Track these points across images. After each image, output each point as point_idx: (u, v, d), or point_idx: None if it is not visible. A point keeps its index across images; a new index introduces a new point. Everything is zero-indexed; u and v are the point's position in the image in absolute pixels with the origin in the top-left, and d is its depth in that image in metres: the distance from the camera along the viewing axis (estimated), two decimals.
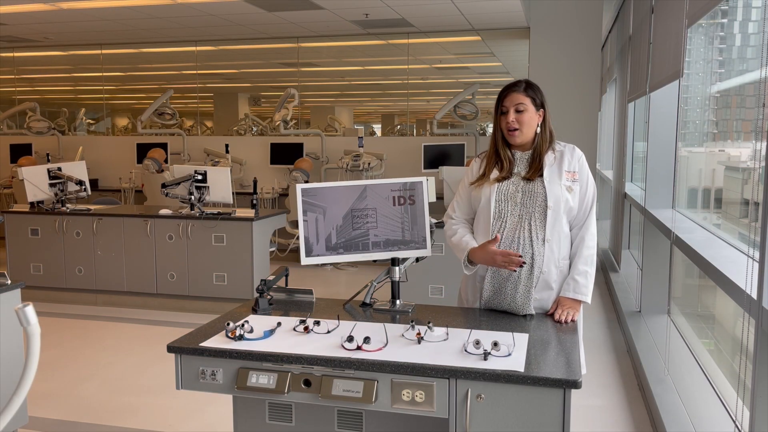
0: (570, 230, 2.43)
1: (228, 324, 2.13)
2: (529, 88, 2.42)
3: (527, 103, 2.39)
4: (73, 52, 10.21)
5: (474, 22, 7.83)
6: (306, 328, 2.17)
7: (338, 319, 2.30)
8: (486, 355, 1.90)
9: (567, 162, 2.41)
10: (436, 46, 9.49)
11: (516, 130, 2.38)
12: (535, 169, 2.39)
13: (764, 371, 2.06)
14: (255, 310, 2.45)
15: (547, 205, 2.34)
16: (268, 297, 2.53)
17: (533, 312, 2.36)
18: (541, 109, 2.43)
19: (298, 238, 3.77)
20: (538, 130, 2.42)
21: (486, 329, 2.19)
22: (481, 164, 2.50)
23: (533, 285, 2.35)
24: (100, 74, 10.36)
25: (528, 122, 2.39)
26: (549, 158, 2.41)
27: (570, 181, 2.39)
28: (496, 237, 2.31)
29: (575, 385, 1.76)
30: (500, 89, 2.48)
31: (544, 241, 2.35)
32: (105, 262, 5.90)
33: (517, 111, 2.38)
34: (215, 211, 5.74)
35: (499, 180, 2.41)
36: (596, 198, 2.45)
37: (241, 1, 6.70)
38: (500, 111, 2.42)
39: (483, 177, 2.45)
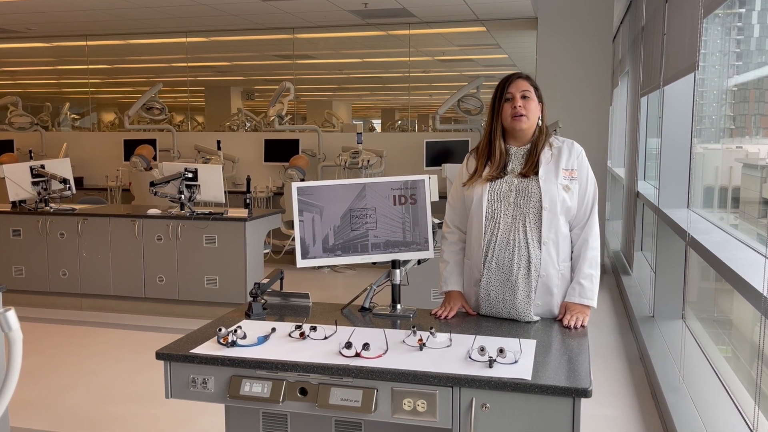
0: (570, 230, 2.43)
1: (220, 330, 2.13)
2: (530, 78, 2.45)
3: (532, 91, 2.41)
4: (57, 44, 10.22)
5: (479, 12, 7.83)
6: (302, 334, 2.17)
7: (336, 325, 2.30)
8: (491, 363, 1.90)
9: (565, 159, 2.40)
10: (439, 37, 9.49)
11: (522, 115, 2.38)
12: (531, 165, 2.39)
13: None
14: (248, 315, 2.45)
15: (542, 206, 2.34)
16: (262, 301, 2.53)
17: (536, 318, 2.36)
18: (541, 103, 2.44)
19: (293, 240, 3.76)
20: (539, 123, 2.43)
21: (491, 335, 2.19)
22: (470, 161, 2.50)
23: (532, 289, 2.35)
24: (86, 67, 10.37)
25: (533, 110, 2.40)
26: (546, 155, 2.40)
27: (568, 180, 2.38)
28: (460, 305, 2.47)
29: (585, 393, 1.77)
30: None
31: (540, 243, 2.35)
32: (90, 264, 5.91)
33: (523, 97, 2.39)
34: (206, 210, 5.74)
35: (491, 179, 2.40)
36: (597, 195, 2.45)
37: None
38: (504, 98, 2.42)
39: (475, 175, 2.45)
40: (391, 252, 2.50)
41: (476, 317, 2.43)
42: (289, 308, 2.58)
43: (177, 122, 11.99)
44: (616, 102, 10.31)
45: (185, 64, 10.22)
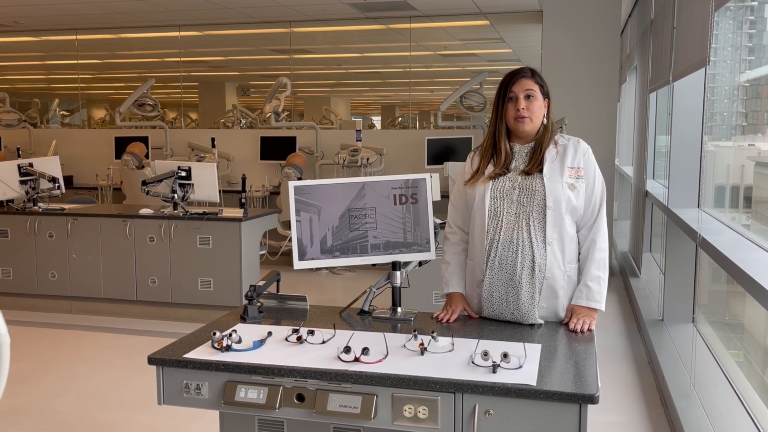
0: (578, 231, 2.43)
1: (214, 333, 2.13)
2: (536, 74, 2.43)
3: (536, 90, 2.40)
4: (45, 38, 10.22)
5: (482, 5, 7.83)
6: (299, 338, 2.17)
7: (334, 328, 2.30)
8: (495, 368, 1.90)
9: (570, 157, 2.40)
10: (441, 31, 9.49)
11: (526, 117, 2.38)
12: (535, 162, 2.39)
13: None
14: (244, 319, 2.45)
15: (546, 205, 2.34)
16: (258, 304, 2.53)
17: (540, 321, 2.36)
18: (547, 99, 2.44)
19: (290, 240, 3.76)
20: (545, 121, 2.43)
21: (495, 339, 2.19)
22: (473, 159, 2.50)
23: (536, 291, 2.34)
24: (76, 62, 10.37)
25: (537, 111, 2.39)
26: (550, 153, 2.40)
27: (573, 179, 2.38)
28: (461, 307, 2.48)
29: (592, 399, 1.76)
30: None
31: (545, 243, 2.35)
32: (80, 266, 5.91)
33: (527, 98, 2.38)
34: (200, 210, 5.74)
35: (493, 176, 2.41)
36: (605, 195, 2.44)
37: None
38: (507, 98, 2.41)
39: (477, 173, 2.45)
40: (391, 253, 2.50)
41: (479, 321, 2.43)
42: (286, 311, 2.57)
43: (170, 119, 12.01)
44: (624, 98, 10.31)
45: (178, 59, 10.23)
